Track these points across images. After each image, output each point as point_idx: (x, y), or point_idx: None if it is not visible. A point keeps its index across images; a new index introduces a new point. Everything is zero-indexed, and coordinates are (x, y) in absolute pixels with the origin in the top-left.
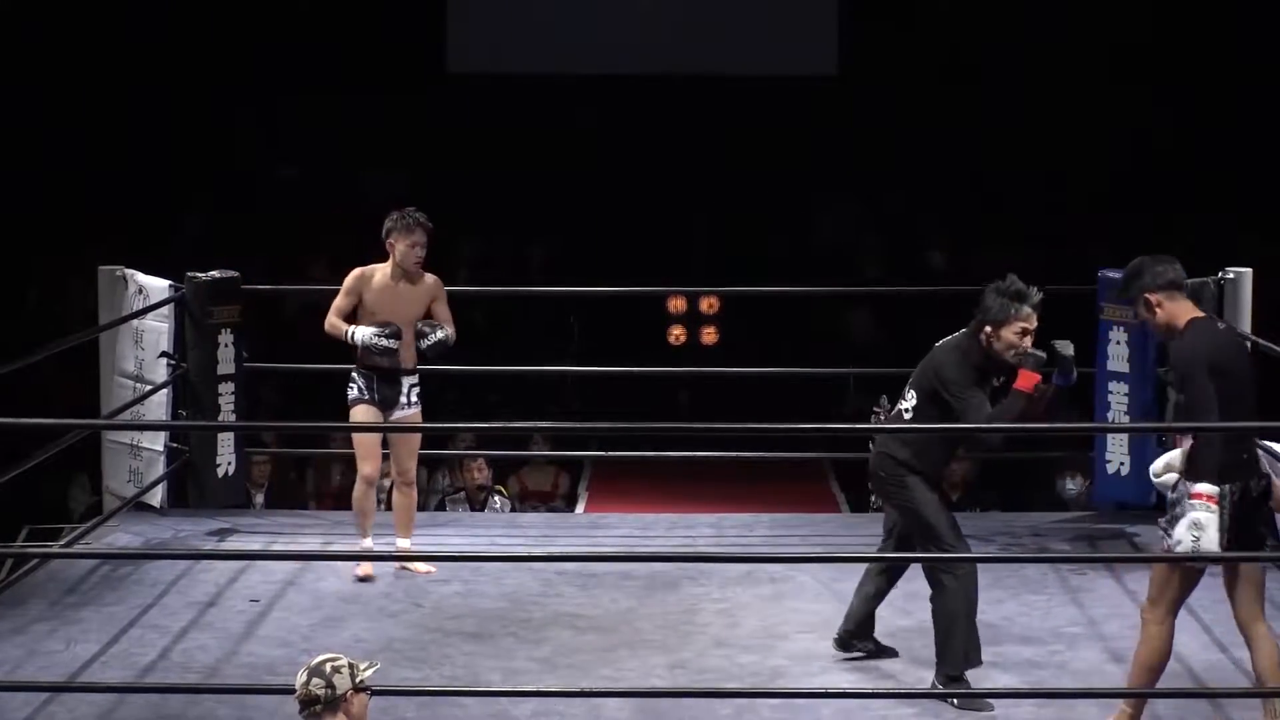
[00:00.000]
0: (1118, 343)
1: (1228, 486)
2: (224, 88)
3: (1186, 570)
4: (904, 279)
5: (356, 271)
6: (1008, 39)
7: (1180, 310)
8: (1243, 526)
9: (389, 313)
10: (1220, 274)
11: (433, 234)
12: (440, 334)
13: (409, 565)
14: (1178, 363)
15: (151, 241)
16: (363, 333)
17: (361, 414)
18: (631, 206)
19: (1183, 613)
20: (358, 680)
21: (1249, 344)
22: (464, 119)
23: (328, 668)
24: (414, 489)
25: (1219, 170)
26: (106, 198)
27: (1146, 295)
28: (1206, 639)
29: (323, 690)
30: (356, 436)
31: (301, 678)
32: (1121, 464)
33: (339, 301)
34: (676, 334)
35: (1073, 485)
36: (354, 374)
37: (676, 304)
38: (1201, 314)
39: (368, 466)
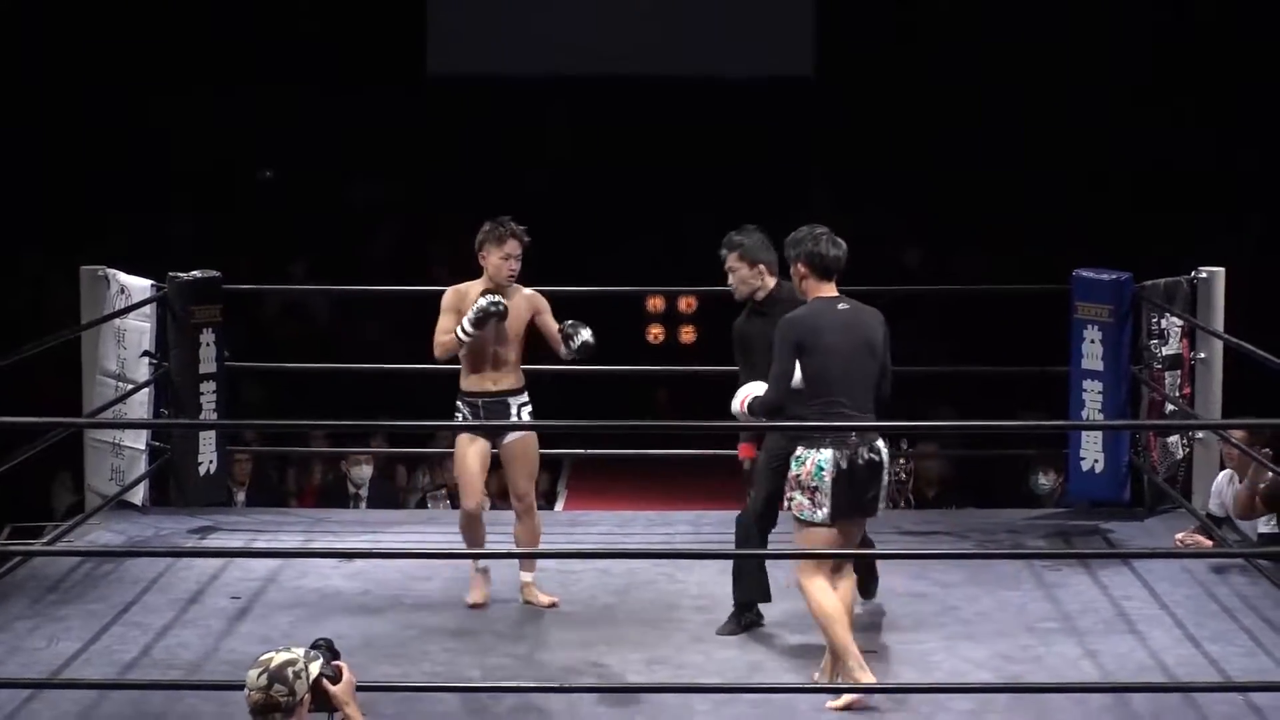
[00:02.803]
0: (1092, 341)
1: (833, 453)
2: (205, 87)
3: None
4: (879, 278)
5: (452, 290)
6: (984, 40)
7: (815, 290)
8: (853, 495)
9: (488, 332)
10: (1194, 273)
11: (528, 245)
12: (585, 334)
13: (531, 597)
14: (776, 330)
15: (135, 242)
16: (469, 315)
17: (463, 444)
18: (609, 207)
19: (1156, 609)
20: (310, 680)
21: (880, 329)
22: (444, 119)
23: (289, 673)
24: (534, 515)
25: (1195, 170)
26: (91, 199)
27: (799, 263)
28: (1179, 634)
29: (285, 698)
30: (457, 469)
31: (259, 680)
32: (1095, 461)
33: (442, 322)
34: (655, 333)
35: (1045, 480)
36: (458, 403)
37: (655, 303)
38: (832, 295)
39: (470, 501)
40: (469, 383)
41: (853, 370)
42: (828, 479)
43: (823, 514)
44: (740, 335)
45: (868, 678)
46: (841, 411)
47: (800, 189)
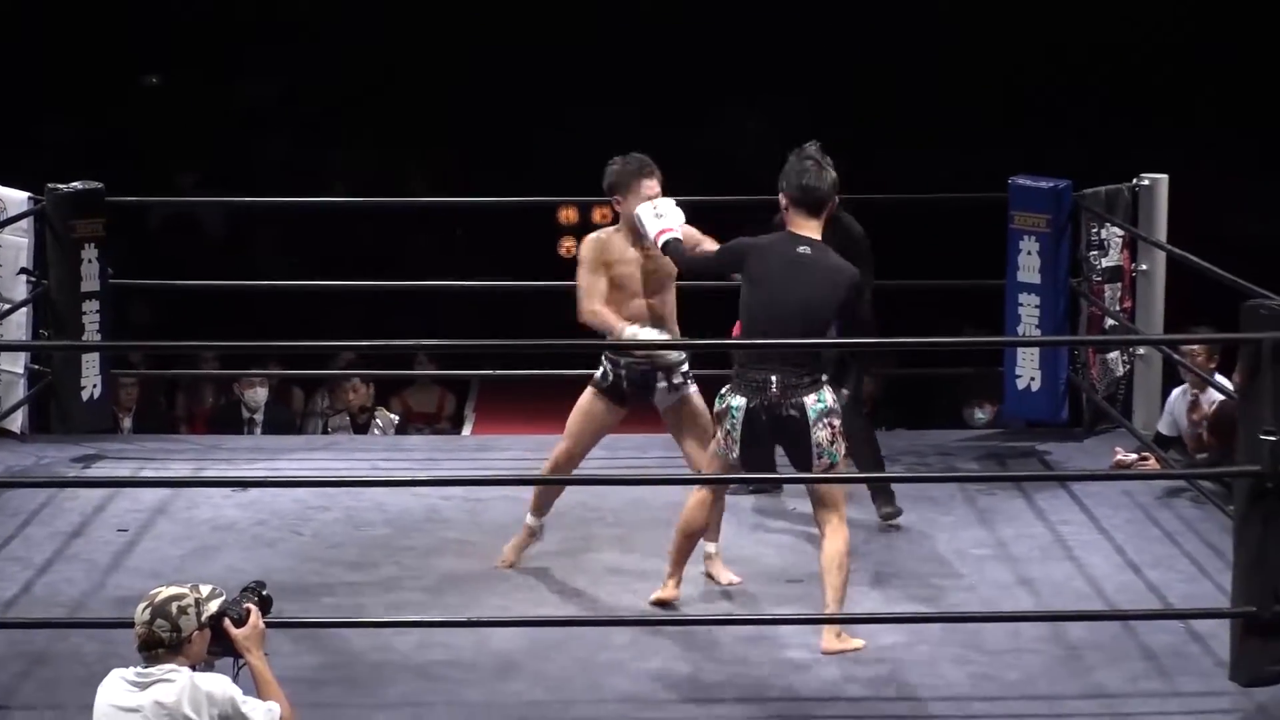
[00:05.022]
0: (1029, 252)
1: (744, 400)
2: None
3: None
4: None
5: (592, 239)
6: None
7: (791, 223)
8: (757, 445)
9: (635, 285)
10: (1135, 180)
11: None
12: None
13: (712, 570)
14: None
15: (6, 151)
16: (646, 335)
17: (587, 399)
18: (517, 114)
19: (1095, 534)
20: (203, 619)
21: (834, 288)
22: (341, 24)
23: (173, 608)
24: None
25: (1135, 76)
26: None
27: (781, 194)
28: (1119, 560)
29: (167, 634)
30: (574, 412)
31: (143, 615)
32: (1032, 379)
33: (594, 281)
34: (568, 246)
35: (981, 414)
36: (605, 356)
37: (568, 215)
38: (802, 235)
39: (566, 442)
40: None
41: (776, 319)
42: (738, 425)
43: (734, 457)
44: None
45: (667, 594)
46: (763, 361)
47: (719, 92)
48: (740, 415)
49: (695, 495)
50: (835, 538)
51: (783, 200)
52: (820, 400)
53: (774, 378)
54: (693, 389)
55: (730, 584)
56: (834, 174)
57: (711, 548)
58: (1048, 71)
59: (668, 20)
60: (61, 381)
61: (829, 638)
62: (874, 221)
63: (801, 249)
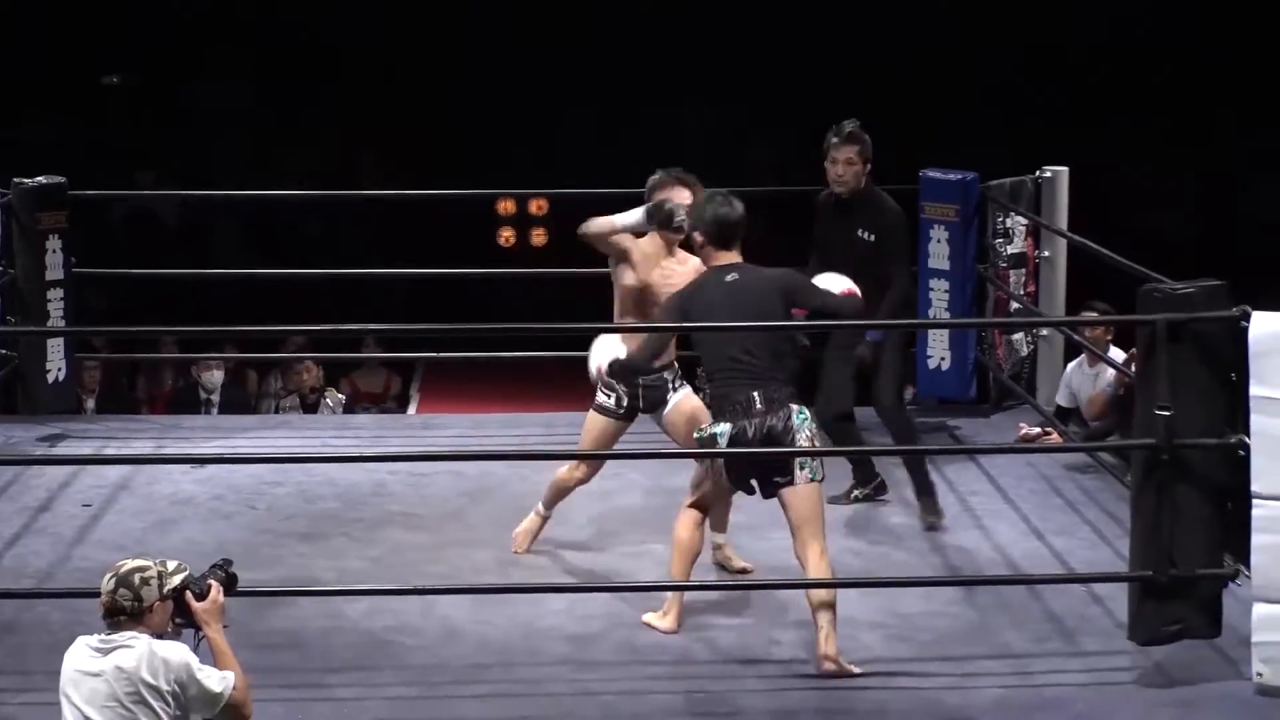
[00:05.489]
0: (938, 241)
1: (729, 426)
2: None
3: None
4: (727, 180)
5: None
6: None
7: (711, 259)
8: (740, 466)
9: (652, 294)
10: (1038, 172)
11: (697, 195)
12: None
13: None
14: (665, 301)
15: None
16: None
17: (597, 421)
18: (462, 107)
19: (1002, 504)
20: (165, 590)
21: (775, 296)
22: (295, 25)
23: (136, 579)
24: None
25: (1046, 74)
26: None
27: (695, 233)
28: (1024, 528)
29: (129, 603)
30: (585, 431)
31: (108, 584)
32: (942, 359)
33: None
34: (506, 236)
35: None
36: (616, 384)
37: (506, 206)
38: (726, 265)
39: (582, 468)
40: None
41: (735, 345)
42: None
43: (724, 480)
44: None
45: (665, 625)
46: (739, 382)
47: (711, 87)
48: (725, 442)
49: (686, 516)
50: (820, 571)
51: (698, 239)
52: (802, 411)
53: (755, 394)
54: (684, 393)
55: (743, 571)
56: (740, 204)
57: (720, 538)
58: (1050, 71)
59: (666, 20)
60: (27, 365)
61: (833, 655)
62: (804, 212)
63: (730, 276)
